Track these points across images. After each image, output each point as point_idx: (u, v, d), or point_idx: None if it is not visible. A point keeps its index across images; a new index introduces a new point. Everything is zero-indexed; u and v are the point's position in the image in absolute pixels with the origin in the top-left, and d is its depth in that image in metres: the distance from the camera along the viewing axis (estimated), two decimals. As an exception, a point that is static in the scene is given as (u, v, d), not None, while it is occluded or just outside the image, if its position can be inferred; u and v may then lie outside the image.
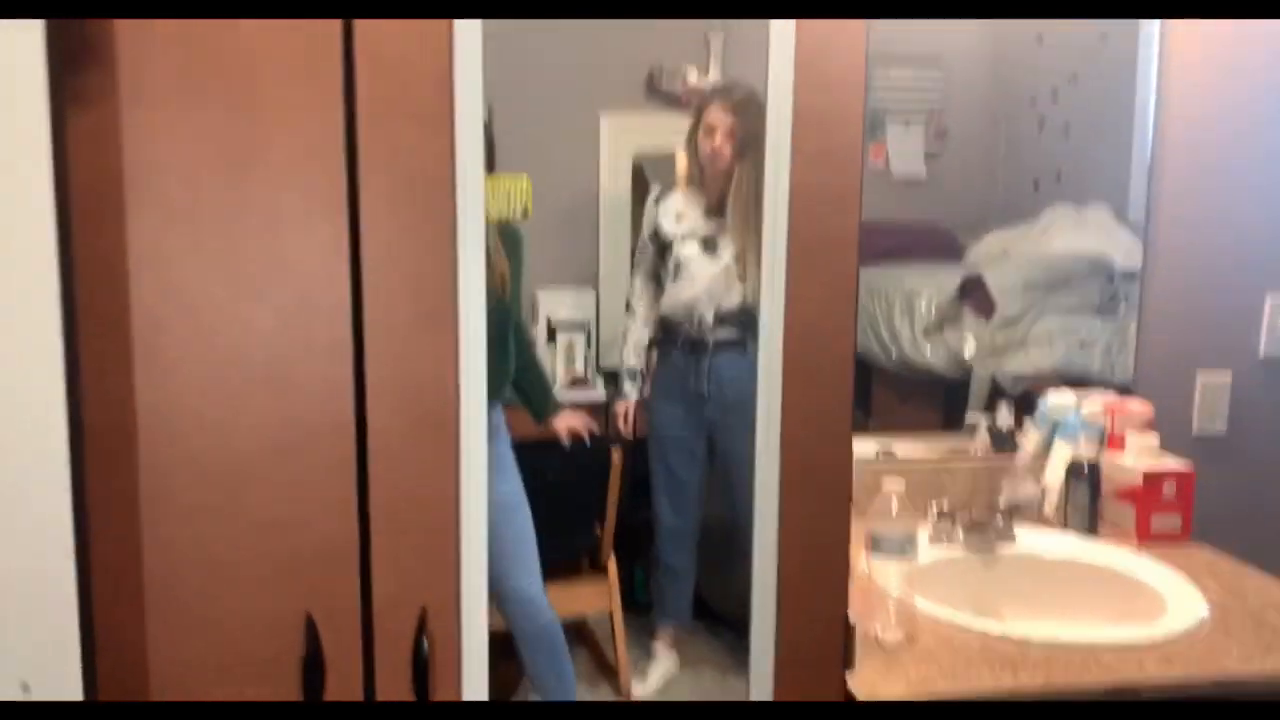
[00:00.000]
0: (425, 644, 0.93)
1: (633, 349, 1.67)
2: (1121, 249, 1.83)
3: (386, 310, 0.90)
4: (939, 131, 1.86)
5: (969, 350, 1.85)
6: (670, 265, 1.59)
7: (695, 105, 1.63)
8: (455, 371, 0.91)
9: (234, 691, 0.91)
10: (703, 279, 1.57)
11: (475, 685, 0.96)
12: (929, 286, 1.86)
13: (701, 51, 1.76)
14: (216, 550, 0.89)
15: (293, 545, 0.90)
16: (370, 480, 0.91)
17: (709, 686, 1.64)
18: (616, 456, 1.66)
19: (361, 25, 0.86)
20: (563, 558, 1.71)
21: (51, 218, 0.76)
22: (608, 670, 1.68)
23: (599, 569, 1.72)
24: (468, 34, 0.87)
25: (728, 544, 1.63)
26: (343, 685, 0.93)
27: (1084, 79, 1.86)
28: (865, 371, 1.82)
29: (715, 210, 1.55)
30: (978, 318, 1.85)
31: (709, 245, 1.56)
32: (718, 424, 1.60)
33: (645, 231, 1.65)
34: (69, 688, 0.82)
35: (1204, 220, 1.80)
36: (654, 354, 1.67)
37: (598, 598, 1.71)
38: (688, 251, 1.58)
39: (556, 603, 1.68)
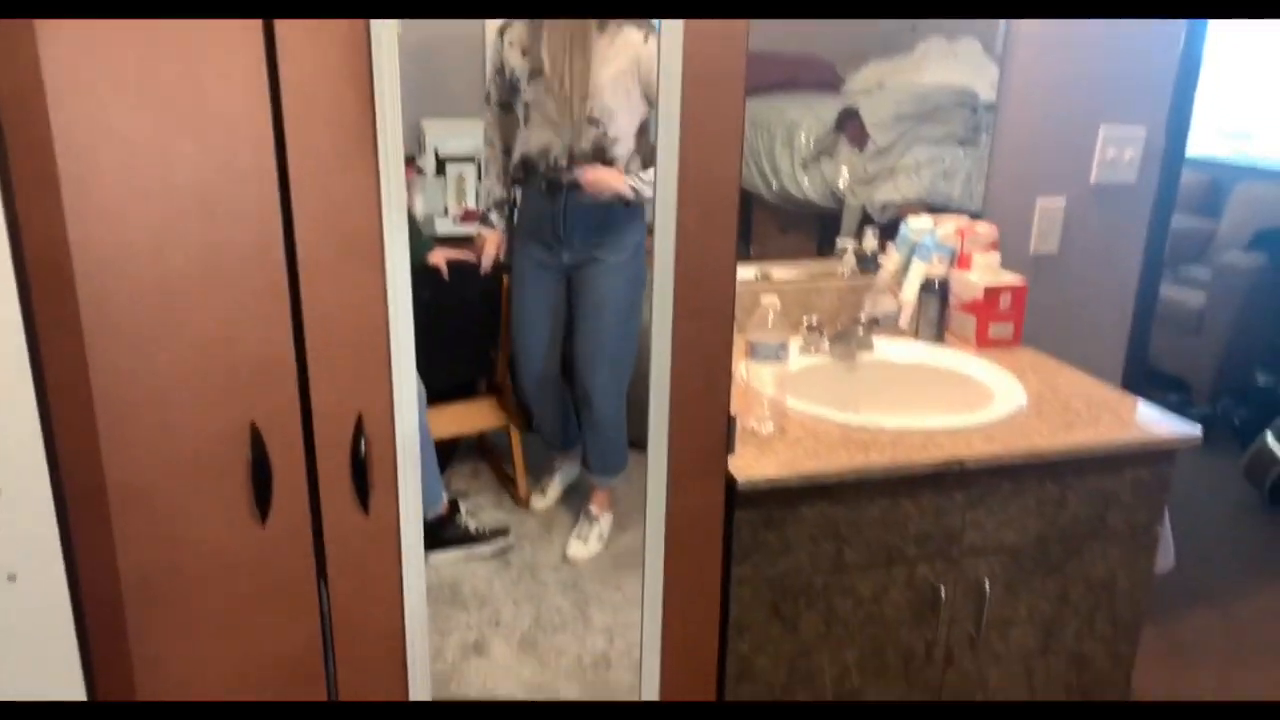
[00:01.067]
0: (363, 446, 1.04)
1: (496, 179, 1.67)
2: (987, 81, 1.92)
3: (308, 139, 0.94)
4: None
5: (843, 181, 1.96)
6: (520, 107, 1.59)
7: None
8: (377, 194, 0.97)
9: (188, 492, 1.01)
10: (551, 121, 1.58)
11: (410, 483, 1.07)
12: (808, 118, 1.90)
13: None
14: (159, 367, 0.96)
15: (232, 361, 0.98)
16: (302, 299, 0.98)
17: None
18: (508, 281, 1.72)
19: None
20: (461, 380, 1.81)
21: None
22: (508, 481, 1.82)
23: (495, 389, 1.82)
24: None
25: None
26: (288, 486, 1.03)
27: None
28: (746, 202, 1.91)
29: (557, 45, 1.54)
30: (852, 149, 1.95)
31: (551, 86, 1.56)
32: (573, 265, 1.65)
33: (493, 64, 1.62)
34: (38, 486, 0.90)
35: (1052, 54, 1.92)
36: (517, 191, 1.68)
37: (495, 416, 1.82)
38: (533, 94, 1.57)
39: (457, 421, 1.78)
